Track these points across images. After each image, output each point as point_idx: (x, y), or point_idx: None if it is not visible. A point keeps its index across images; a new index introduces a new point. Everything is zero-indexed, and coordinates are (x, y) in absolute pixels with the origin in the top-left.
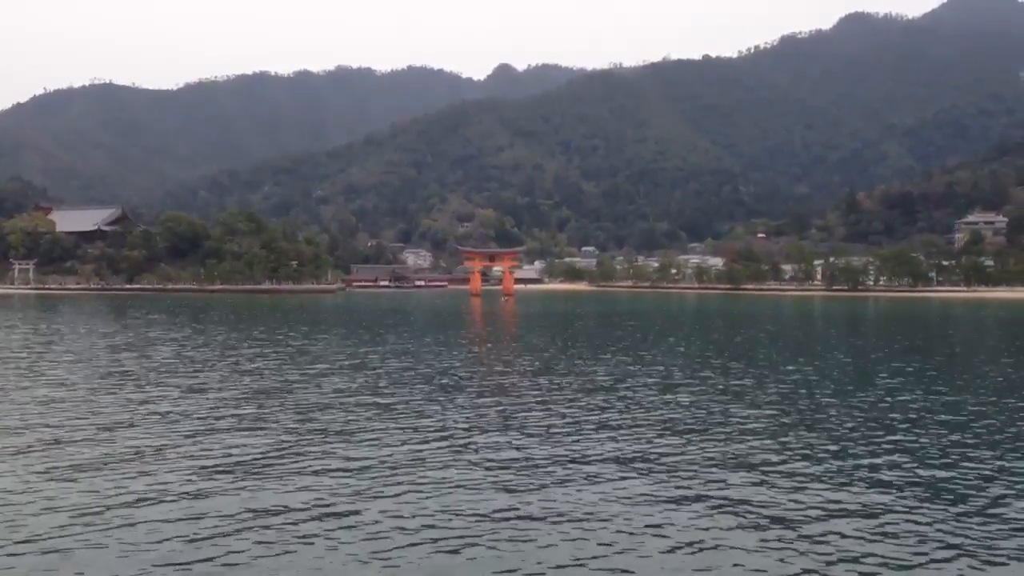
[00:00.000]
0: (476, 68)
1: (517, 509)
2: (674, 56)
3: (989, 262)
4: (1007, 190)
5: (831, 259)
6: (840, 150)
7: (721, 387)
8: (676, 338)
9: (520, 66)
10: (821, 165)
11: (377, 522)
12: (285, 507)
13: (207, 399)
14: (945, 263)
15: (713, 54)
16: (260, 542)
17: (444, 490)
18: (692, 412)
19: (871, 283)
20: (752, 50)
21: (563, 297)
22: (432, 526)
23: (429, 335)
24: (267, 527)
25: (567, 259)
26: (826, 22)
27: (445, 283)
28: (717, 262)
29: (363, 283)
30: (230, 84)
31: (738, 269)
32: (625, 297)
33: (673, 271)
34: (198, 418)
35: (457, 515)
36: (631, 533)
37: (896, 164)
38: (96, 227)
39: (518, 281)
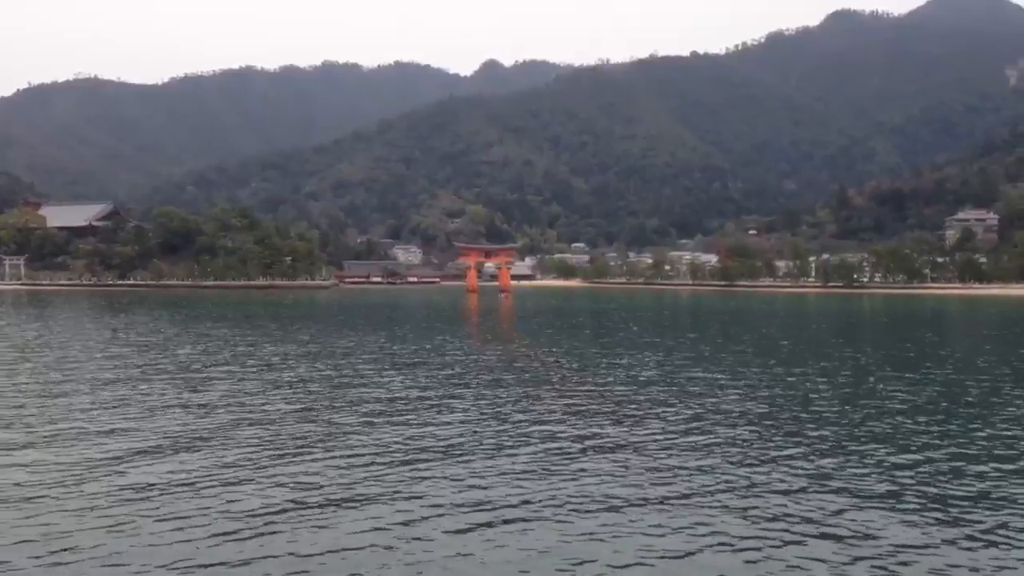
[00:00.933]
0: (463, 64)
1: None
2: (662, 53)
3: (983, 259)
4: (997, 187)
5: (825, 256)
6: (828, 147)
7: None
8: (704, 339)
9: (507, 62)
10: (809, 162)
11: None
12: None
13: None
14: (940, 260)
15: (701, 51)
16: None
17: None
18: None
19: (866, 280)
20: (740, 47)
21: (559, 294)
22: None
23: (446, 334)
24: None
25: (558, 255)
26: (813, 19)
27: (438, 279)
28: (710, 258)
29: (355, 279)
30: (217, 79)
31: (733, 266)
32: (620, 294)
33: (667, 268)
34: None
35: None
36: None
37: (884, 161)
38: (88, 223)
39: (511, 277)
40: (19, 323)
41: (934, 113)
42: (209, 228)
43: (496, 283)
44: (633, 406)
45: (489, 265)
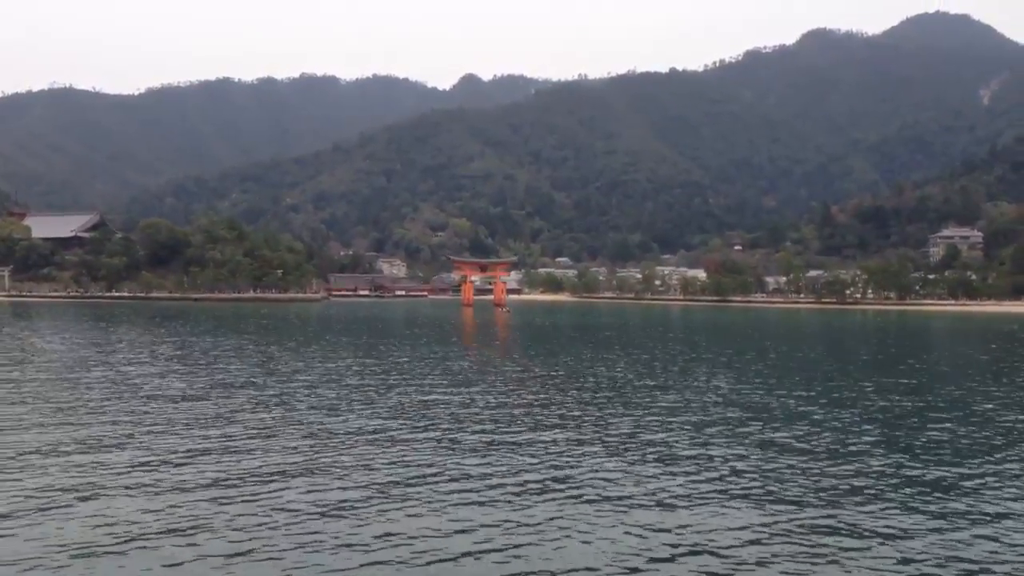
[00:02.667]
0: (442, 78)
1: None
2: (640, 69)
3: (973, 276)
4: (978, 205)
5: (819, 272)
6: (805, 164)
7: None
8: (752, 357)
9: (486, 76)
10: (787, 178)
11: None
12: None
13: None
14: (931, 276)
15: (679, 67)
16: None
17: None
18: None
19: (859, 296)
20: (717, 64)
21: (552, 309)
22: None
23: (466, 351)
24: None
25: (543, 270)
26: (789, 37)
27: (426, 293)
28: (696, 273)
29: (342, 292)
30: (193, 90)
31: (725, 281)
32: (613, 308)
33: (657, 283)
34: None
35: None
36: None
37: (861, 179)
38: (73, 233)
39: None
40: (38, 334)
41: (910, 132)
42: (197, 239)
43: (490, 297)
44: (753, 425)
45: (475, 279)
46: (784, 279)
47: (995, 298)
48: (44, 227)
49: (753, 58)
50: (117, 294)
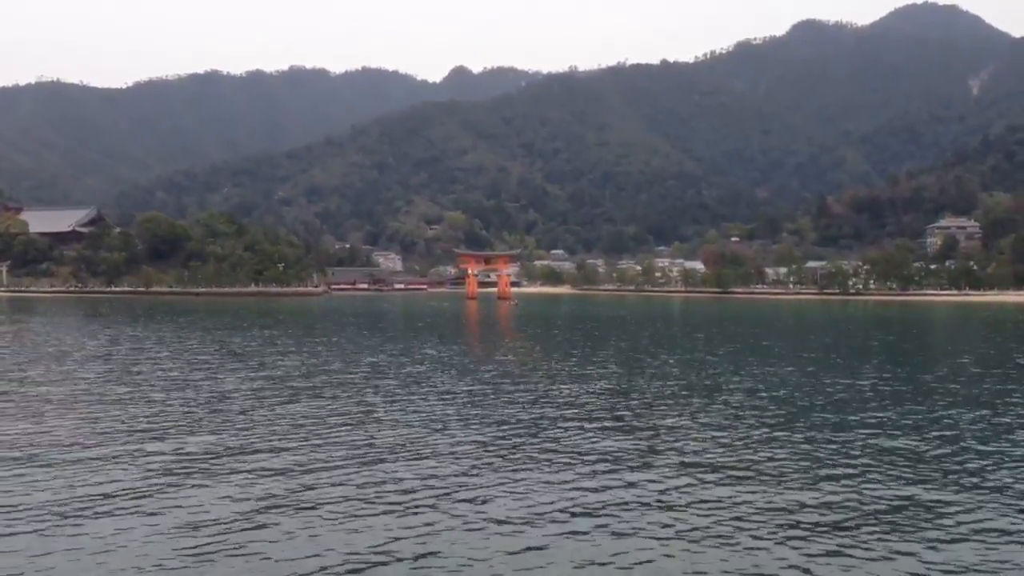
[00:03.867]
0: (432, 71)
1: None
2: (630, 61)
3: (976, 266)
4: (974, 195)
5: (821, 263)
6: (797, 155)
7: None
8: (797, 347)
9: (476, 68)
10: (779, 170)
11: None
12: None
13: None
14: (932, 267)
15: (671, 59)
16: None
17: None
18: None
19: (860, 287)
20: (708, 55)
21: (558, 300)
22: None
23: (500, 342)
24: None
25: (538, 262)
26: (779, 29)
27: (426, 286)
28: (694, 264)
29: (341, 286)
30: (182, 83)
31: (727, 273)
32: (616, 300)
33: (657, 275)
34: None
35: None
36: None
37: (853, 170)
38: (71, 228)
39: (494, 285)
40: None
41: (900, 123)
42: (196, 234)
43: (491, 290)
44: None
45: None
46: (783, 270)
47: (998, 288)
48: (41, 222)
49: (744, 50)
50: (117, 289)
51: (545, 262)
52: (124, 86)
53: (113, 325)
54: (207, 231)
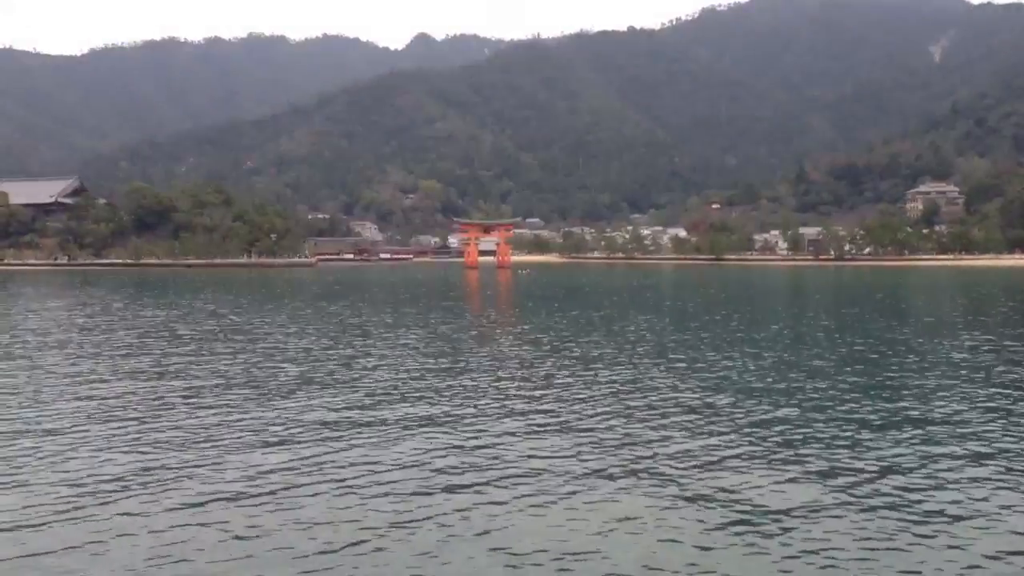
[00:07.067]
0: (393, 38)
1: None
2: (594, 28)
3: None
4: (950, 161)
5: (817, 229)
6: (764, 123)
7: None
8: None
9: (438, 36)
10: (747, 137)
11: None
12: None
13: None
14: (924, 231)
15: (636, 25)
16: None
17: None
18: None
19: (854, 252)
20: (674, 22)
21: (552, 270)
22: None
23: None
24: None
25: (519, 230)
26: None
27: (411, 256)
28: (677, 231)
29: (327, 256)
30: (137, 51)
31: (720, 240)
32: (607, 268)
33: (647, 242)
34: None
35: None
36: None
37: (820, 136)
38: (54, 199)
39: (481, 254)
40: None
41: (865, 89)
42: (184, 204)
43: (491, 259)
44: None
45: (452, 241)
46: (771, 235)
47: (992, 252)
48: (21, 193)
49: (709, 16)
50: (106, 261)
51: (533, 231)
52: (79, 53)
53: (154, 298)
54: (194, 202)
